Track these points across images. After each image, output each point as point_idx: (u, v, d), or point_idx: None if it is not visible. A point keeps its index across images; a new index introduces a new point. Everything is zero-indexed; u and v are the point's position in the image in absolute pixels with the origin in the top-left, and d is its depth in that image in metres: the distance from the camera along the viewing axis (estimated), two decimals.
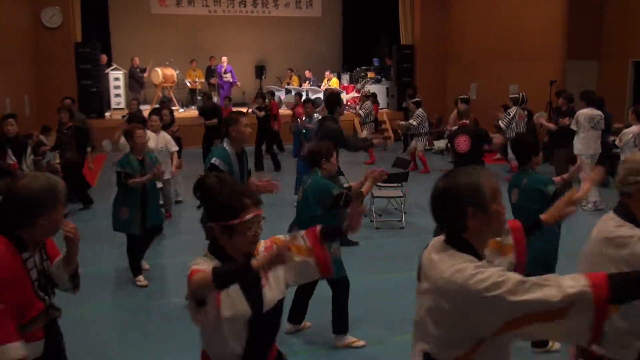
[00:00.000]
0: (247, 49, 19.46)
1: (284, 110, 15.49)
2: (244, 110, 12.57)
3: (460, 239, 1.96)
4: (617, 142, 8.28)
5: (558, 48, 13.06)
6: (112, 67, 16.45)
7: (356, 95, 17.91)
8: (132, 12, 18.70)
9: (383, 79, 18.58)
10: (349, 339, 4.59)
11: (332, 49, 21.10)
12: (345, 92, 17.78)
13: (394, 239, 7.56)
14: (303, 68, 19.11)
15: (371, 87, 17.89)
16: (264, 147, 12.82)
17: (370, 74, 18.49)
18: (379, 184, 8.43)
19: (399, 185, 8.52)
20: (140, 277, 5.96)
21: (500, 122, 10.85)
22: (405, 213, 8.25)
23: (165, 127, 8.62)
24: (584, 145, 8.74)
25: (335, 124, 6.96)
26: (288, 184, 8.80)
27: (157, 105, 15.27)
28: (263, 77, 19.22)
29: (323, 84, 18.58)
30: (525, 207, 4.26)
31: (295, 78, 18.93)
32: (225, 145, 4.89)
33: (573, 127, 8.85)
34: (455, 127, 8.64)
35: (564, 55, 13.03)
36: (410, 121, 12.25)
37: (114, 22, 18.72)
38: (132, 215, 5.78)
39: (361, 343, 4.60)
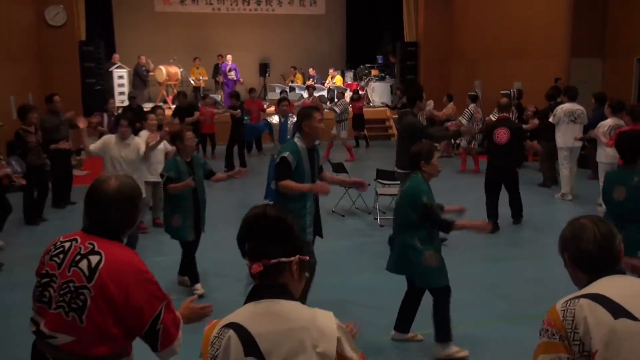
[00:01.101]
0: (251, 47, 19.46)
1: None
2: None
3: None
4: (592, 135, 8.59)
5: (562, 45, 13.02)
6: (116, 65, 16.48)
7: (360, 92, 17.92)
8: (136, 10, 18.73)
9: (387, 76, 18.56)
10: (453, 348, 4.33)
11: (335, 46, 21.09)
12: (348, 89, 17.78)
13: None
14: (307, 66, 19.11)
15: (375, 85, 17.90)
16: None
17: (374, 72, 18.48)
18: (383, 181, 8.46)
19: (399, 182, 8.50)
20: (198, 285, 5.60)
21: (460, 119, 11.57)
22: None
23: (159, 127, 8.35)
24: (562, 138, 9.22)
25: (415, 117, 7.06)
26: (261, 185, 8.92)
27: (160, 103, 15.37)
28: (267, 74, 19.23)
29: (327, 81, 18.58)
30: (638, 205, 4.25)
31: (299, 76, 18.93)
32: (296, 140, 4.70)
33: (552, 120, 9.32)
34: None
35: (568, 53, 12.98)
36: (333, 106, 13.13)
37: (118, 20, 18.76)
38: (184, 221, 5.48)
39: (464, 353, 4.32)
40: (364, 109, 15.67)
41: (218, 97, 16.59)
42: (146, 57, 16.73)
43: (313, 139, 4.73)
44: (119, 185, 2.29)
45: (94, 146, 6.76)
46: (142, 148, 6.72)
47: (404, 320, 4.59)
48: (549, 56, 13.22)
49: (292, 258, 1.87)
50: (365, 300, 5.46)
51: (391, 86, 18.12)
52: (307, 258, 1.94)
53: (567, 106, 9.23)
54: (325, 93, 17.65)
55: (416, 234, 4.25)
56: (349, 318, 4.69)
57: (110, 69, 16.23)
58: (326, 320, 1.81)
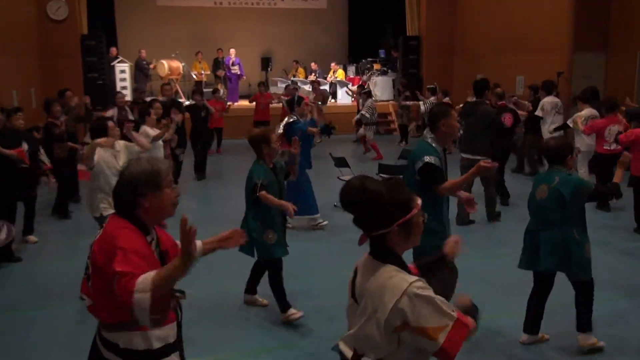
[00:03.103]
0: (253, 41, 19.44)
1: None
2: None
3: None
4: (569, 123, 8.90)
5: (565, 40, 12.97)
6: (118, 60, 16.48)
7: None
8: (138, 4, 18.72)
9: (389, 70, 18.52)
10: (593, 339, 4.39)
11: (337, 40, 21.05)
12: (351, 83, 17.76)
13: None
14: (309, 60, 19.09)
15: (377, 79, 17.86)
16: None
17: (376, 66, 18.45)
18: (383, 175, 8.46)
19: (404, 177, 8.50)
20: (293, 310, 4.91)
21: (421, 105, 12.16)
22: None
23: (157, 120, 8.29)
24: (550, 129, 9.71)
25: (490, 107, 7.52)
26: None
27: (162, 98, 15.36)
28: (269, 69, 19.21)
29: (329, 75, 18.56)
30: None
31: (301, 70, 18.90)
32: (430, 140, 4.23)
33: (538, 114, 9.92)
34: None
35: (571, 47, 12.94)
36: (362, 112, 12.94)
37: (120, 14, 18.75)
38: (279, 237, 4.93)
39: (602, 344, 4.39)
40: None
41: (220, 91, 16.59)
42: (146, 52, 16.72)
43: (450, 138, 4.50)
44: (125, 169, 2.52)
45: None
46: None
47: (535, 321, 4.50)
48: (551, 50, 13.18)
49: (390, 228, 2.13)
50: None
51: (393, 80, 18.08)
52: (408, 218, 2.15)
53: (550, 99, 9.83)
54: (327, 87, 17.62)
55: (575, 227, 4.26)
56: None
57: (112, 63, 16.23)
58: (391, 292, 2.06)
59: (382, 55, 19.35)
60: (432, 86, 13.77)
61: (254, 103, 13.99)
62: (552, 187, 4.23)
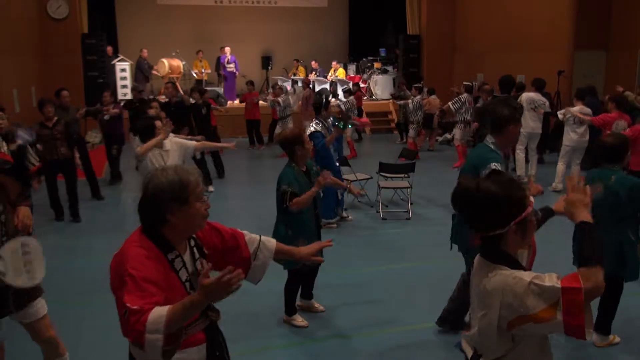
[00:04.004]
0: (254, 40, 19.43)
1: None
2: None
3: None
4: (559, 117, 9.24)
5: (566, 38, 12.97)
6: (118, 58, 16.48)
7: (363, 85, 17.89)
8: (139, 2, 18.71)
9: (390, 69, 18.51)
10: (610, 338, 4.45)
11: (338, 39, 21.04)
12: (351, 82, 17.75)
13: (400, 230, 7.57)
14: (309, 58, 19.08)
15: (377, 78, 17.86)
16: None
17: (376, 65, 18.45)
18: (386, 174, 8.47)
19: (406, 176, 8.51)
20: (299, 317, 4.85)
21: (450, 105, 11.74)
22: (411, 204, 8.25)
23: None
24: (523, 123, 9.86)
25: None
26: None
27: (163, 97, 15.35)
28: (269, 67, 19.21)
29: (329, 74, 18.55)
30: None
31: (301, 68, 18.88)
32: (492, 145, 3.98)
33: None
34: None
35: (572, 45, 12.94)
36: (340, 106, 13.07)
37: (120, 13, 18.74)
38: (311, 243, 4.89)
39: (618, 339, 4.46)
40: (367, 102, 15.65)
41: (221, 90, 16.60)
42: (147, 51, 16.70)
43: (510, 145, 4.32)
44: (148, 179, 2.30)
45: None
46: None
47: (606, 321, 4.46)
48: (552, 49, 13.17)
49: (507, 228, 2.08)
50: (368, 292, 5.46)
51: (394, 79, 18.08)
52: (525, 216, 2.09)
53: (530, 95, 10.02)
54: (327, 86, 17.60)
55: (630, 227, 4.23)
56: (351, 312, 4.73)
57: (113, 62, 16.22)
58: (497, 291, 2.05)
59: (383, 54, 19.34)
60: (418, 85, 13.83)
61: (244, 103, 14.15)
62: (608, 186, 4.15)
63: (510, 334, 2.06)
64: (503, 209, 2.07)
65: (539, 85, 10.43)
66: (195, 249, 2.41)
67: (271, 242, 2.68)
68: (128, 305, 2.02)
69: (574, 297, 1.90)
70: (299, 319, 4.81)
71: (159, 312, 2.00)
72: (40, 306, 3.42)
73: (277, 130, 13.13)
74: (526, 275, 2.02)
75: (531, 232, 2.16)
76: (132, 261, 2.14)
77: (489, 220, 2.10)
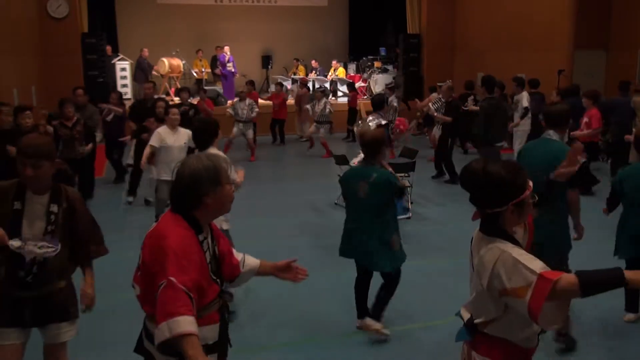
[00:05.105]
0: (254, 39, 19.43)
1: (290, 101, 15.49)
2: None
3: None
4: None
5: (566, 37, 12.97)
6: (118, 58, 16.47)
7: (363, 85, 17.89)
8: (138, 2, 18.71)
9: (390, 68, 18.51)
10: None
11: (338, 38, 21.04)
12: (345, 85, 17.75)
13: (400, 229, 7.54)
14: (309, 58, 19.08)
15: (377, 77, 17.86)
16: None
17: (376, 64, 18.45)
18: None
19: (406, 175, 8.52)
20: (382, 326, 4.62)
21: (430, 105, 11.59)
22: (411, 203, 8.25)
23: (161, 121, 7.76)
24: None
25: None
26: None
27: (163, 95, 15.36)
28: (269, 67, 19.21)
29: (329, 73, 18.55)
30: None
31: (301, 68, 18.89)
32: (557, 138, 4.20)
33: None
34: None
35: (572, 45, 12.93)
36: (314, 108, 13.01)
37: (120, 13, 18.75)
38: (401, 244, 4.57)
39: None
40: (366, 101, 15.61)
41: (220, 89, 16.59)
42: (147, 51, 16.69)
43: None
44: (183, 165, 2.45)
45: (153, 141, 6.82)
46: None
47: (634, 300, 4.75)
48: (552, 48, 13.17)
49: (505, 207, 2.30)
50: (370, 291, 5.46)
51: (394, 78, 18.07)
52: (523, 198, 2.30)
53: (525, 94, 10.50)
54: (328, 85, 17.62)
55: None
56: (352, 312, 4.73)
57: (113, 61, 16.22)
58: (490, 260, 2.29)
59: (383, 53, 19.33)
60: (391, 84, 14.00)
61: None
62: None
63: (502, 301, 2.27)
64: (505, 190, 2.29)
65: (533, 85, 10.93)
66: (211, 233, 2.58)
67: (254, 259, 2.86)
68: (171, 277, 2.21)
69: (543, 285, 2.10)
70: (381, 326, 4.57)
71: (190, 320, 2.21)
72: (63, 332, 3.16)
73: (312, 129, 12.99)
74: (517, 253, 2.24)
75: (526, 214, 2.38)
76: (173, 238, 2.31)
77: (492, 198, 2.32)
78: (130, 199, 8.84)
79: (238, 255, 2.78)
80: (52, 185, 3.06)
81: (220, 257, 2.59)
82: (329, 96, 13.35)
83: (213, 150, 4.62)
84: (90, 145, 8.18)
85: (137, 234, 6.17)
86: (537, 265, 2.18)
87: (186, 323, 2.18)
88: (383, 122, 7.25)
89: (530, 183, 2.37)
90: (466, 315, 2.49)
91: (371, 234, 4.39)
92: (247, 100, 12.18)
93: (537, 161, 4.05)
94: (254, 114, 12.15)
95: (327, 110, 12.79)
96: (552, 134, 4.20)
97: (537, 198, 2.40)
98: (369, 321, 4.53)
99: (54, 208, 3.02)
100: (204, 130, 4.77)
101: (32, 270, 2.98)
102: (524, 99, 10.57)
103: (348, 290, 4.99)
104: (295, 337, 4.68)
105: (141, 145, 8.10)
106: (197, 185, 2.39)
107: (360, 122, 7.61)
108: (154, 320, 2.29)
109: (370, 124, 7.74)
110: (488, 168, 2.33)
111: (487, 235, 2.38)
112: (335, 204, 8.60)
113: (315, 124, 12.89)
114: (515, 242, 2.35)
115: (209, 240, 2.51)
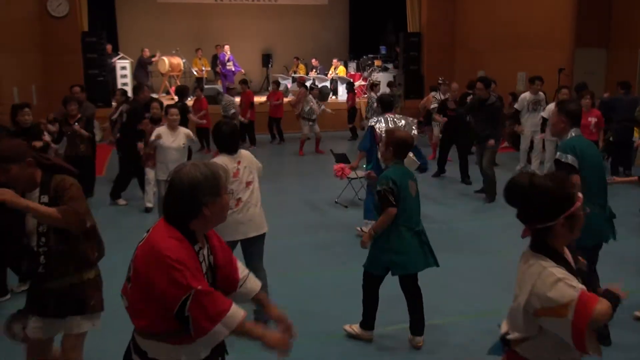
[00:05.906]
0: (254, 37, 19.43)
1: (286, 99, 15.47)
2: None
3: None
4: (544, 115, 9.38)
5: (566, 36, 12.96)
6: (119, 56, 16.47)
7: (363, 83, 17.88)
8: (139, 0, 18.71)
9: (390, 67, 18.50)
10: None
11: (338, 36, 21.03)
12: (352, 80, 17.75)
13: None
14: (310, 56, 19.07)
15: (378, 75, 17.85)
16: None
17: (377, 62, 18.43)
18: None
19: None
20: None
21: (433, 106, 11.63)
22: None
23: (156, 122, 7.60)
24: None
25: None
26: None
27: (164, 94, 15.38)
28: (270, 65, 19.20)
29: (330, 72, 18.54)
30: None
31: (301, 66, 18.89)
32: (574, 134, 4.31)
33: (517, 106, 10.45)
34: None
35: (573, 43, 12.92)
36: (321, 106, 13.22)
37: (120, 11, 18.74)
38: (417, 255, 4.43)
39: None
40: (366, 100, 15.60)
41: (220, 88, 16.59)
42: (148, 50, 16.69)
43: None
44: (180, 173, 2.32)
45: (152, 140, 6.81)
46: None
47: None
48: (553, 46, 13.16)
49: (556, 220, 2.23)
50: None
51: (394, 77, 18.06)
52: (574, 211, 2.24)
53: (527, 95, 10.38)
54: (328, 84, 17.61)
55: None
56: (351, 310, 4.73)
57: (113, 60, 16.22)
58: (530, 278, 2.24)
59: (383, 52, 19.32)
60: (375, 81, 14.32)
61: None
62: None
63: (537, 322, 2.22)
64: (554, 202, 2.22)
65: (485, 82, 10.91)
66: (208, 243, 2.49)
67: (257, 282, 2.72)
68: (198, 287, 2.18)
69: (588, 303, 2.09)
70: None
71: (235, 308, 2.27)
72: (77, 324, 3.23)
73: (306, 130, 12.95)
74: (560, 273, 2.17)
75: (579, 227, 2.29)
76: (170, 249, 2.21)
77: (542, 213, 2.25)
78: (123, 202, 8.63)
79: (242, 273, 2.66)
80: (42, 178, 3.15)
81: (217, 269, 2.50)
82: (315, 94, 13.39)
83: (219, 158, 4.47)
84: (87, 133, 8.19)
85: (136, 233, 6.16)
86: (577, 283, 2.15)
87: (235, 312, 2.25)
88: (415, 133, 7.05)
89: (580, 195, 2.30)
90: (504, 329, 2.43)
91: (425, 234, 4.43)
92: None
93: (599, 160, 4.40)
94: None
95: (308, 107, 12.79)
96: (574, 132, 4.32)
97: (588, 210, 2.37)
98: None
99: (45, 199, 3.12)
100: (233, 133, 4.55)
101: (40, 261, 3.10)
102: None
103: (348, 289, 5.00)
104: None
105: (131, 150, 8.16)
106: (197, 196, 2.28)
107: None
108: (144, 335, 2.31)
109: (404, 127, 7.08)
110: (534, 181, 2.27)
111: (534, 252, 2.31)
112: (336, 202, 8.60)
113: (301, 119, 12.99)
114: (564, 261, 2.28)
115: (205, 251, 2.42)
